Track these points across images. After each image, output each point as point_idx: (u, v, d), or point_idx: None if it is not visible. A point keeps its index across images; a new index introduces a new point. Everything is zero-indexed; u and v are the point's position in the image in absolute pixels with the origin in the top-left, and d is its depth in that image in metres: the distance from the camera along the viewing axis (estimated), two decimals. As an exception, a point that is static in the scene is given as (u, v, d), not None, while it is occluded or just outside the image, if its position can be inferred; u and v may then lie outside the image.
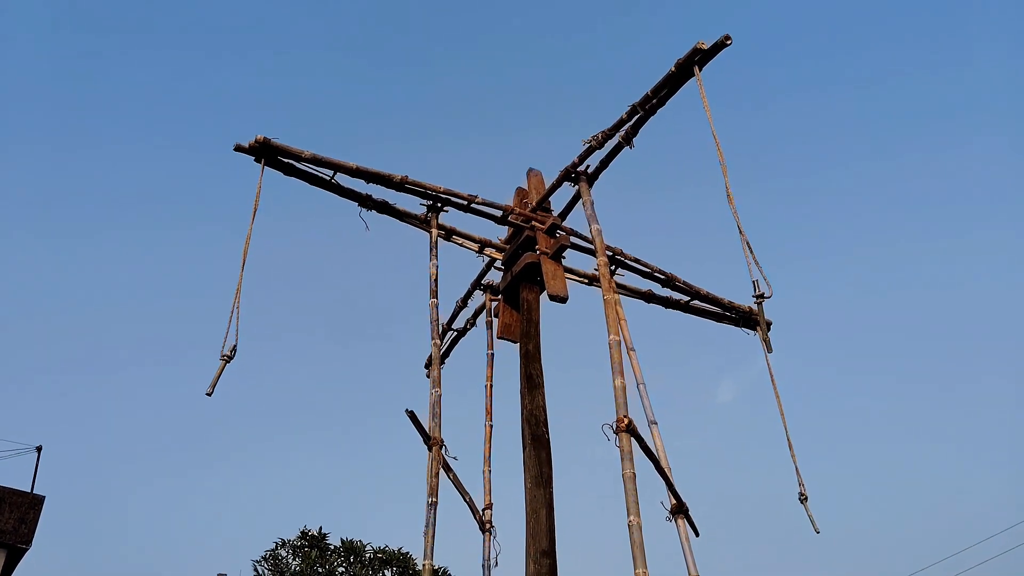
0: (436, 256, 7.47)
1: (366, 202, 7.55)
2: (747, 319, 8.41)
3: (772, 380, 8.16)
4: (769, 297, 5.25)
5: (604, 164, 7.27)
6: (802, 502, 7.67)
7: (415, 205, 7.76)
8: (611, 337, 6.07)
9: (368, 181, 7.38)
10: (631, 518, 5.20)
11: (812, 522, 7.57)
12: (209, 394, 6.04)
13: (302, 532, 22.56)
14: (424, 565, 5.63)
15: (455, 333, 9.14)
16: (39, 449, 20.67)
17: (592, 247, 7.48)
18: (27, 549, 19.69)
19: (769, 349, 6.94)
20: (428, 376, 9.91)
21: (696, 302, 8.54)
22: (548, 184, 7.81)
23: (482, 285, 8.86)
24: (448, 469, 6.85)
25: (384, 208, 7.66)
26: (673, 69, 6.44)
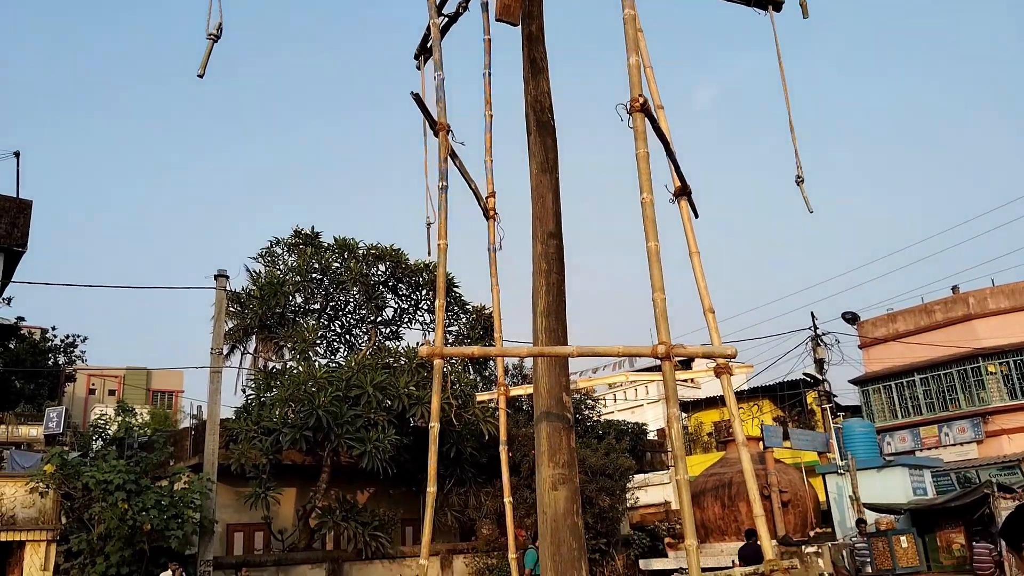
0: (429, -75, 6.79)
1: None
2: (760, -3, 7.92)
3: (779, 61, 7.94)
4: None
5: None
6: (798, 184, 7.82)
7: None
8: (626, 12, 5.71)
9: None
10: (644, 195, 5.24)
11: (806, 202, 7.78)
12: (201, 76, 5.76)
13: (295, 231, 23.18)
14: (440, 245, 5.77)
15: (446, 19, 8.60)
16: (17, 155, 20.30)
17: (602, -88, 6.80)
18: (23, 252, 20.08)
19: (805, 14, 6.60)
20: (418, 68, 9.53)
21: (707, -22, 8.00)
22: None
23: (476, -39, 8.19)
24: (454, 156, 6.78)
25: None
26: None
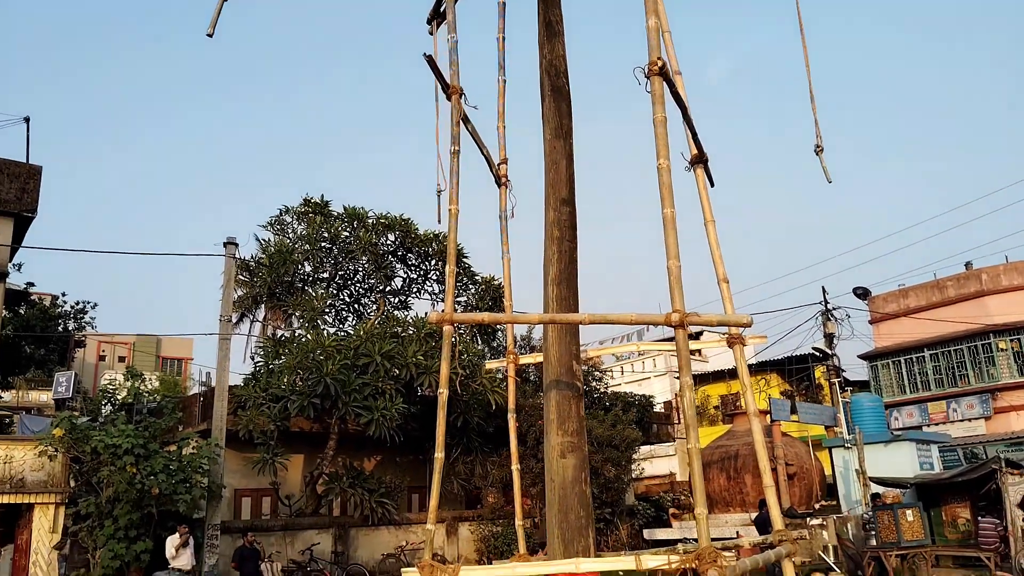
0: None
1: None
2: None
3: (801, 28, 7.78)
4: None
5: None
6: (817, 154, 7.69)
7: None
8: (645, -28, 5.57)
9: None
10: (660, 161, 5.14)
11: (825, 172, 7.66)
12: (210, 35, 5.65)
13: (305, 200, 23.07)
14: (451, 210, 5.68)
15: (460, -20, 8.43)
16: (27, 120, 20.24)
17: None
18: (33, 218, 20.08)
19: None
20: (430, 33, 9.37)
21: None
22: None
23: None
24: (467, 121, 6.67)
25: None
26: None
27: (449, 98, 6.09)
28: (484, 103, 7.48)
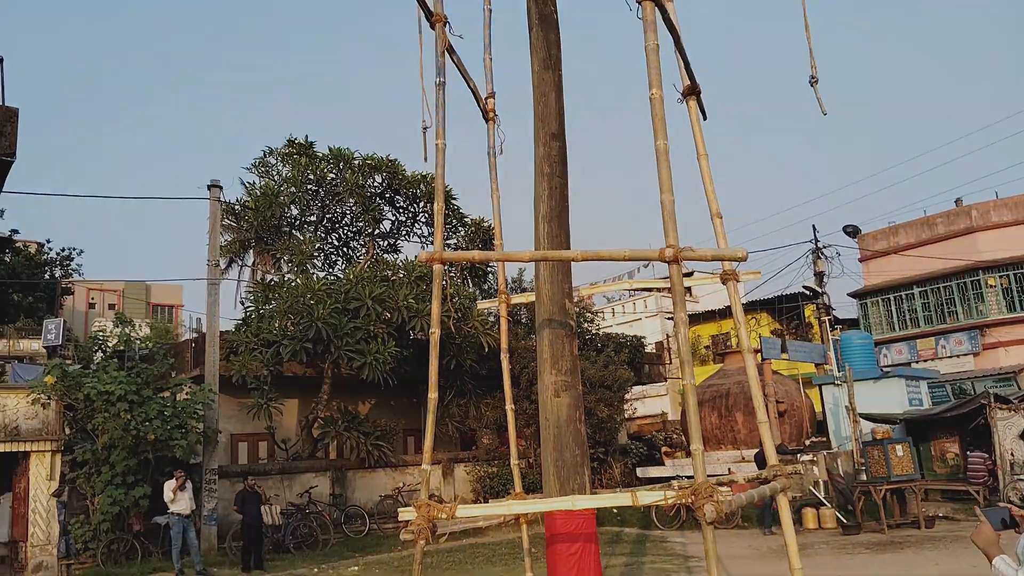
0: None
1: None
2: None
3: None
4: None
5: None
6: (812, 85, 7.48)
7: None
8: None
9: None
10: (653, 91, 4.94)
11: (820, 103, 7.46)
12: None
13: (289, 140, 22.61)
14: (437, 145, 5.50)
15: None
16: (0, 60, 19.61)
17: None
18: (13, 161, 19.62)
19: None
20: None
21: None
22: None
23: None
24: (452, 52, 6.42)
25: None
26: None
27: (433, 27, 5.85)
28: (471, 37, 7.22)
